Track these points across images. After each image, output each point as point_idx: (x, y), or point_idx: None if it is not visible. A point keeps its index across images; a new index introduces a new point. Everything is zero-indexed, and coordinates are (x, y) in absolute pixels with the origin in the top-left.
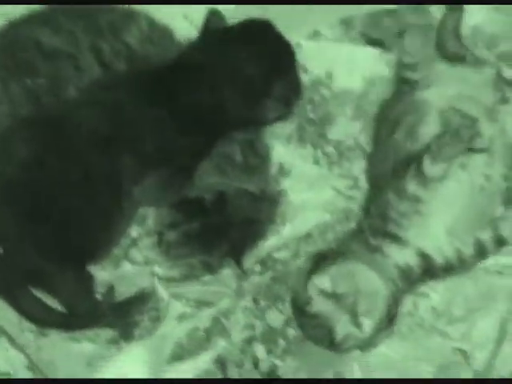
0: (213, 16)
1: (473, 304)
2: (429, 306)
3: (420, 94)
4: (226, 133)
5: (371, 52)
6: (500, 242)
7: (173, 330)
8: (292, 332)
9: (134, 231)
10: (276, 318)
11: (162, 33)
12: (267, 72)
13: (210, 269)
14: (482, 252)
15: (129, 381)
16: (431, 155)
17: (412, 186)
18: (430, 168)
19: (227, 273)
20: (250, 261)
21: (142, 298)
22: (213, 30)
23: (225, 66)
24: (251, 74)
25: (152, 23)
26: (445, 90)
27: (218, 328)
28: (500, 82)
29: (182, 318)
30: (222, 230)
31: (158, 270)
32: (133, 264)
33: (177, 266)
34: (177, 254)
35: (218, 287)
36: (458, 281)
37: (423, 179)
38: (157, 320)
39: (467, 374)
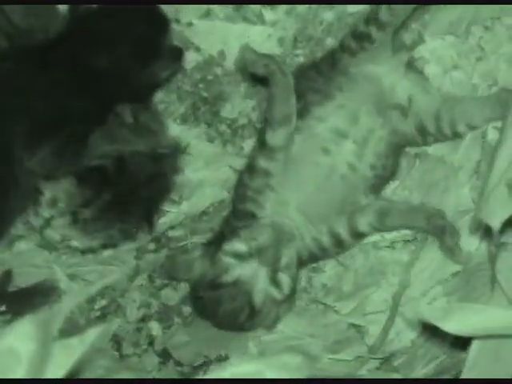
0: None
1: (363, 279)
2: (320, 282)
3: None
4: (120, 98)
5: (263, 30)
6: (357, 236)
7: (64, 307)
8: (187, 310)
9: (46, 213)
10: (171, 295)
11: (46, 6)
12: (152, 33)
13: (129, 236)
14: (339, 244)
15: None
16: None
17: (260, 161)
18: (271, 137)
19: (126, 249)
20: (144, 239)
21: (46, 290)
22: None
23: (114, 31)
24: (138, 36)
25: None
26: None
27: (113, 306)
28: None
29: (75, 295)
30: (130, 194)
31: (75, 243)
32: (52, 242)
33: (95, 238)
34: (94, 229)
35: (115, 265)
36: (349, 256)
37: (268, 150)
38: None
39: (361, 349)
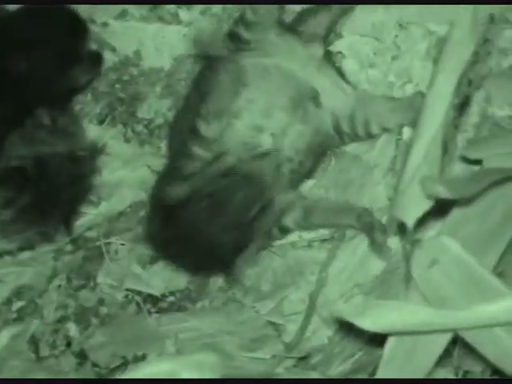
0: None
1: (282, 279)
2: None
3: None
4: (39, 101)
5: (178, 30)
6: (283, 231)
7: None
8: (104, 310)
9: None
10: (88, 297)
11: None
12: (71, 37)
13: (47, 238)
14: (267, 236)
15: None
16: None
17: (195, 148)
18: (206, 130)
19: (44, 251)
20: (62, 240)
21: None
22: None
23: (33, 34)
24: (57, 40)
25: None
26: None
27: (30, 307)
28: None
29: None
30: (50, 196)
31: None
32: None
33: (13, 241)
34: (14, 231)
35: (33, 267)
36: (267, 256)
37: (202, 140)
38: None
39: (278, 348)
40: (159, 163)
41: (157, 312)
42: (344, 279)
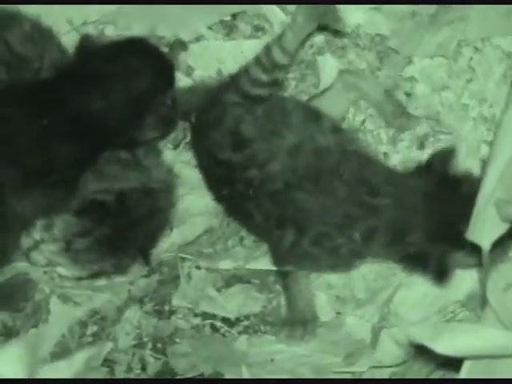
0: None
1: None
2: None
3: None
4: (110, 144)
5: (257, 43)
6: None
7: (53, 329)
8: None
9: (37, 235)
10: (164, 326)
11: (44, 34)
12: (151, 90)
13: (121, 270)
14: None
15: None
16: None
17: None
18: None
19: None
20: (138, 272)
21: (24, 285)
22: (93, 45)
23: (112, 79)
24: (136, 89)
25: (34, 24)
26: None
27: (105, 332)
28: None
29: (63, 316)
30: (127, 231)
31: (61, 270)
32: (34, 265)
33: (85, 269)
34: (86, 260)
35: (109, 294)
36: None
37: None
38: (35, 316)
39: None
40: None
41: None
42: (428, 303)
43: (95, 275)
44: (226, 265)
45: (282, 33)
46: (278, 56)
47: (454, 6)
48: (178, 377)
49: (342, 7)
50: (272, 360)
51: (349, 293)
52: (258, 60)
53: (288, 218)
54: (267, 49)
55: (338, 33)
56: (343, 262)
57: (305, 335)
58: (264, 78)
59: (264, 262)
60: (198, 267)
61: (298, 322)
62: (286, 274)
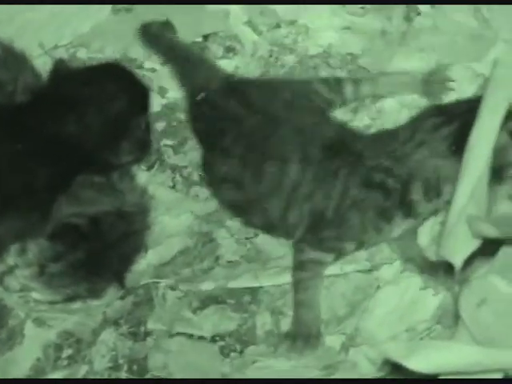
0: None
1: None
2: None
3: None
4: (84, 168)
5: (228, 63)
6: None
7: (29, 354)
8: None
9: (11, 260)
10: (139, 348)
11: (18, 57)
12: (126, 114)
13: (95, 294)
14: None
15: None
16: None
17: None
18: None
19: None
20: (113, 296)
21: None
22: (67, 69)
23: (87, 103)
24: (111, 113)
25: (7, 48)
26: None
27: (80, 356)
28: None
29: (41, 341)
30: (101, 255)
31: (36, 295)
32: (7, 291)
33: (59, 293)
34: (60, 284)
35: (84, 317)
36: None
37: None
38: (9, 341)
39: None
40: (202, 208)
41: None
42: (394, 320)
43: (70, 299)
44: (207, 286)
45: None
46: None
47: (423, 31)
48: None
49: (312, 27)
50: None
51: (331, 313)
52: None
53: None
54: None
55: None
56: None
57: (306, 349)
58: None
59: (244, 280)
60: (173, 288)
61: (302, 335)
62: (297, 283)
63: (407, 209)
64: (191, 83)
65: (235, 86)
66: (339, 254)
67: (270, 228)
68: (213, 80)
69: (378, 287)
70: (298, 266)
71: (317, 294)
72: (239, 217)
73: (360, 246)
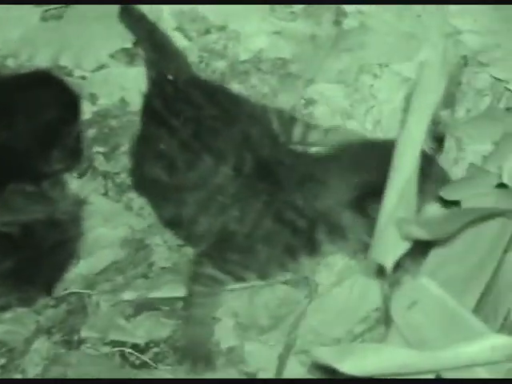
0: None
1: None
2: None
3: None
4: (15, 176)
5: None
6: None
7: None
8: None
9: None
10: (70, 359)
11: None
12: (57, 122)
13: (26, 303)
14: None
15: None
16: None
17: None
18: None
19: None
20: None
21: None
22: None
23: (18, 111)
24: (42, 121)
25: None
26: None
27: (13, 365)
28: None
29: None
30: (32, 263)
31: None
32: None
33: None
34: None
35: (16, 326)
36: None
37: None
38: None
39: None
40: (139, 221)
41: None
42: (331, 327)
43: (1, 309)
44: (128, 296)
45: None
46: None
47: (352, 32)
48: None
49: (243, 32)
50: None
51: (252, 320)
52: None
53: None
54: None
55: None
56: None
57: (206, 369)
58: None
59: (167, 291)
60: (105, 295)
61: (198, 353)
62: (190, 299)
63: (312, 248)
64: (162, 68)
65: (202, 83)
66: (239, 281)
67: (176, 225)
68: (183, 71)
69: (312, 298)
70: (195, 279)
71: (211, 312)
72: (154, 204)
73: (263, 277)
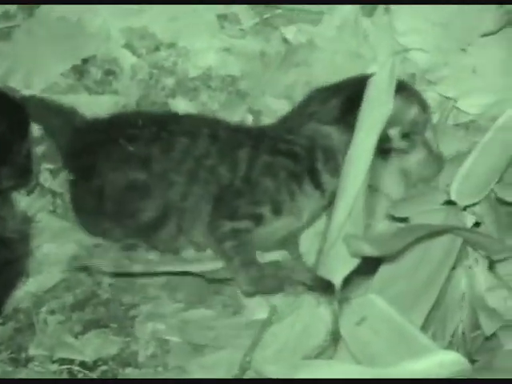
0: None
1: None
2: None
3: None
4: None
5: (108, 99)
6: None
7: None
8: None
9: None
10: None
11: None
12: (6, 139)
13: None
14: None
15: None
16: None
17: None
18: None
19: None
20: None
21: None
22: None
23: None
24: None
25: None
26: None
27: None
28: None
29: None
30: None
31: None
32: None
33: None
34: None
35: None
36: None
37: None
38: None
39: None
40: (87, 238)
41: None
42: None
43: None
44: (77, 314)
45: None
46: None
47: (301, 49)
48: None
49: (192, 49)
50: None
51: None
52: None
53: None
54: None
55: None
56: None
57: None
58: None
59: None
60: (53, 313)
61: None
62: (227, 250)
63: (314, 177)
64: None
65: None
66: (258, 221)
67: (167, 212)
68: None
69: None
70: (222, 239)
71: (253, 254)
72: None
73: (277, 210)
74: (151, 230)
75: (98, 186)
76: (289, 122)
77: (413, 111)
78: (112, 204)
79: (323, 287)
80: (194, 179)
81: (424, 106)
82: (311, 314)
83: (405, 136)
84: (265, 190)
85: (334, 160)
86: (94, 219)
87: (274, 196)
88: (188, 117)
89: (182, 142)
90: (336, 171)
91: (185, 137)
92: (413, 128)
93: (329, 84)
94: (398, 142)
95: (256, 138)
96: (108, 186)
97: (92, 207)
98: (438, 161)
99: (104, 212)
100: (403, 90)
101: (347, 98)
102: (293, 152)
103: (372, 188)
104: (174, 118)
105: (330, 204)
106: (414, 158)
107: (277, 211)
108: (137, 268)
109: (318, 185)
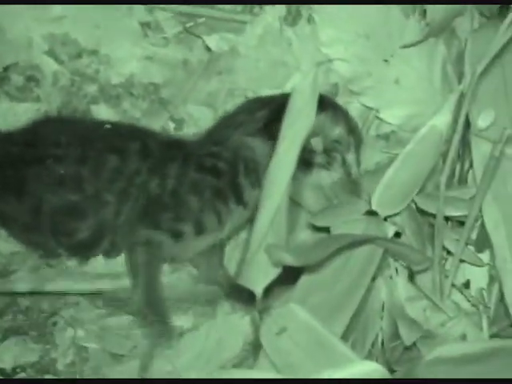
0: None
1: None
2: None
3: None
4: None
5: (29, 107)
6: None
7: None
8: None
9: None
10: None
11: None
12: None
13: None
14: None
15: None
16: None
17: None
18: None
19: None
20: None
21: None
22: None
23: None
24: None
25: None
26: None
27: None
28: None
29: None
30: None
31: None
32: None
33: None
34: None
35: None
36: None
37: None
38: None
39: None
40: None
41: None
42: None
43: None
44: None
45: None
46: None
47: (223, 56)
48: None
49: (114, 57)
50: None
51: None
52: None
53: None
54: None
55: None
56: None
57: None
58: None
59: None
60: None
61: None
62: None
63: (237, 193)
64: None
65: None
66: (177, 237)
67: (102, 231)
68: None
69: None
70: (133, 249)
71: (158, 276)
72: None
73: (199, 230)
74: (87, 248)
75: (32, 204)
76: (217, 133)
77: (337, 131)
78: (48, 222)
79: (241, 296)
80: (126, 197)
81: (351, 129)
82: (227, 324)
83: (325, 151)
84: (190, 209)
85: (256, 172)
86: (27, 233)
87: (199, 216)
88: (115, 130)
89: (112, 160)
90: (257, 183)
91: (114, 154)
92: (334, 146)
93: (262, 95)
94: (318, 156)
95: (185, 152)
96: (45, 206)
97: (25, 222)
98: (354, 186)
99: (39, 228)
100: (333, 108)
101: (273, 109)
102: (216, 168)
103: (293, 199)
104: (99, 131)
105: (253, 215)
106: (330, 177)
107: (199, 231)
108: (50, 287)
109: (240, 200)
